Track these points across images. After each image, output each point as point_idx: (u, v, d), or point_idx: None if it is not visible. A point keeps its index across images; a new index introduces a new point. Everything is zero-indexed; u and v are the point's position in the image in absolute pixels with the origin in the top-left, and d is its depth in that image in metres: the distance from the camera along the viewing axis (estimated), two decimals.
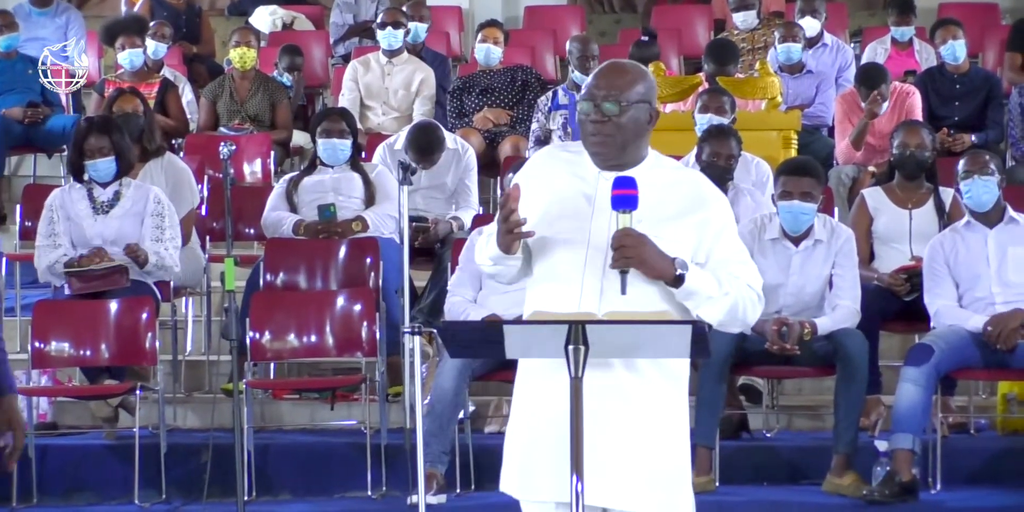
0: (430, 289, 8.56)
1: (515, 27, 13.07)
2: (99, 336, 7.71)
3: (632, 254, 3.92)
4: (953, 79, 10.33)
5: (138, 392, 7.45)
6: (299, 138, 11.01)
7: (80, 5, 13.81)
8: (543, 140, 9.94)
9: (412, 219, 8.04)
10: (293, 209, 8.69)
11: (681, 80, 9.88)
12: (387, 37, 10.94)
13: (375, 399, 7.62)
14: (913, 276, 7.54)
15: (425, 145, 8.89)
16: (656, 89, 4.14)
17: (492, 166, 10.18)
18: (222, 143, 6.83)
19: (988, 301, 7.14)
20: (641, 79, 4.08)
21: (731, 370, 7.23)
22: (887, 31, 11.52)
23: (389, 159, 9.07)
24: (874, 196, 8.06)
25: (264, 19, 13.02)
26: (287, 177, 8.99)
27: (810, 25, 10.99)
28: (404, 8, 11.55)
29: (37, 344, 7.69)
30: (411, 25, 11.17)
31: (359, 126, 9.66)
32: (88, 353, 7.75)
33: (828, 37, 11.23)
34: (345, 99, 10.85)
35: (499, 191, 10.00)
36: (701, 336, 3.76)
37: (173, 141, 10.21)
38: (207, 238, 9.08)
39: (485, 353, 4.41)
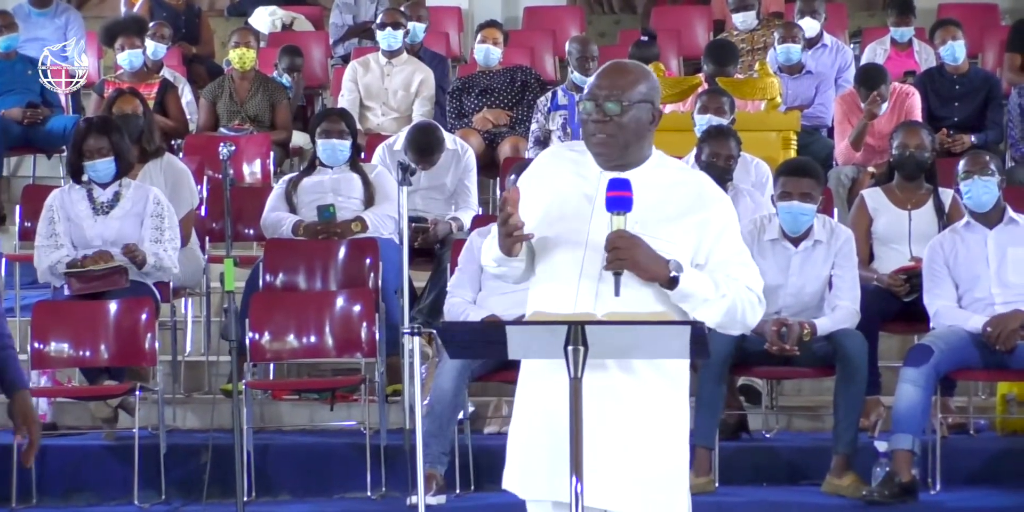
0: (429, 290, 8.56)
1: (514, 28, 13.06)
2: (99, 337, 7.71)
3: (625, 256, 3.91)
4: (952, 80, 10.33)
5: (138, 393, 7.45)
6: (299, 139, 11.01)
7: (80, 6, 13.82)
8: (542, 141, 9.94)
9: (411, 220, 8.04)
10: (292, 210, 8.69)
11: (680, 81, 9.88)
12: (387, 38, 10.94)
13: (375, 400, 7.62)
14: (912, 277, 7.54)
15: (424, 146, 8.89)
16: (659, 89, 4.14)
17: (491, 167, 10.19)
18: (221, 144, 6.83)
19: (987, 302, 7.14)
20: (643, 79, 4.08)
21: (731, 371, 7.23)
22: (886, 32, 11.52)
23: (388, 160, 9.07)
24: (873, 197, 8.06)
25: (263, 20, 13.02)
26: (286, 178, 8.99)
27: (809, 26, 10.99)
28: (402, 8, 11.55)
29: (37, 345, 7.69)
30: (409, 25, 11.17)
31: (358, 127, 9.66)
32: (87, 354, 7.75)
33: (827, 38, 11.23)
34: (344, 100, 10.85)
35: (498, 192, 10.01)
36: (700, 337, 3.75)
37: (172, 142, 10.20)
38: (206, 239, 9.08)
39: (484, 354, 4.41)
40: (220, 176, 8.06)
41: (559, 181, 4.11)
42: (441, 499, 7.02)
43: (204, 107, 11.01)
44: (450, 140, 9.20)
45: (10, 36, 10.95)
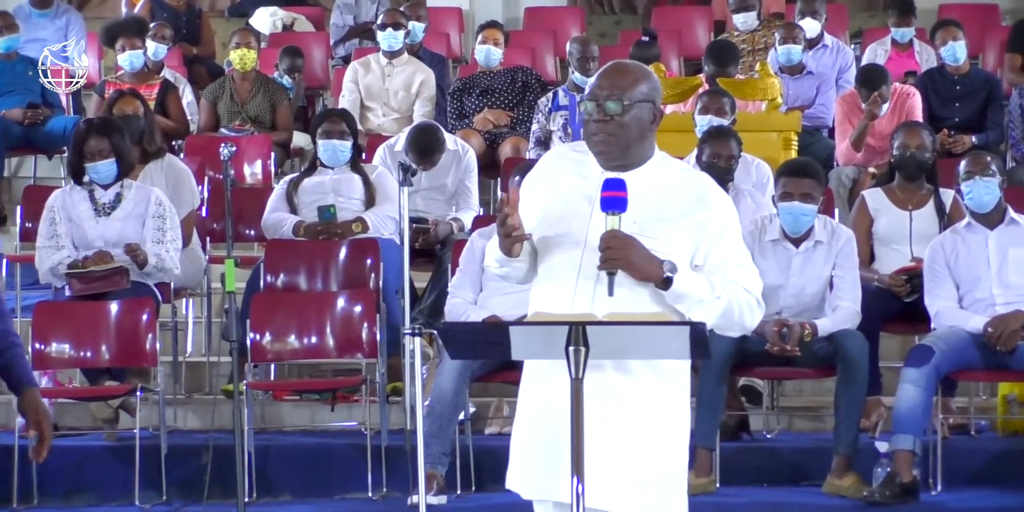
0: (430, 290, 8.56)
1: (515, 28, 13.07)
2: (99, 337, 7.71)
3: (618, 256, 3.91)
4: (953, 80, 10.33)
5: (138, 393, 7.45)
6: (299, 139, 11.01)
7: (80, 6, 13.82)
8: (543, 141, 9.94)
9: (412, 220, 8.03)
10: (293, 210, 8.70)
11: (681, 81, 9.87)
12: (387, 38, 10.94)
13: (375, 400, 7.62)
14: (913, 277, 7.54)
15: (425, 146, 8.89)
16: (660, 90, 4.14)
17: (492, 167, 10.19)
18: (222, 144, 6.82)
19: (988, 302, 7.14)
20: (644, 79, 4.08)
21: (731, 371, 7.23)
22: (887, 32, 11.52)
23: (389, 160, 9.07)
24: (874, 197, 8.06)
25: (264, 20, 13.02)
26: (287, 178, 8.99)
27: (810, 26, 10.99)
28: (402, 9, 11.55)
29: (38, 345, 7.69)
30: (409, 25, 11.17)
31: (359, 127, 9.66)
32: (88, 354, 7.74)
33: (828, 38, 11.23)
34: (345, 100, 10.85)
35: (499, 192, 10.01)
36: (701, 337, 3.75)
37: (173, 142, 10.21)
38: (207, 239, 9.08)
39: (485, 354, 4.42)
40: (221, 177, 8.07)
41: (561, 181, 4.11)
42: (442, 499, 7.02)
43: (205, 108, 11.01)
44: (451, 141, 9.20)
45: (11, 37, 10.95)
